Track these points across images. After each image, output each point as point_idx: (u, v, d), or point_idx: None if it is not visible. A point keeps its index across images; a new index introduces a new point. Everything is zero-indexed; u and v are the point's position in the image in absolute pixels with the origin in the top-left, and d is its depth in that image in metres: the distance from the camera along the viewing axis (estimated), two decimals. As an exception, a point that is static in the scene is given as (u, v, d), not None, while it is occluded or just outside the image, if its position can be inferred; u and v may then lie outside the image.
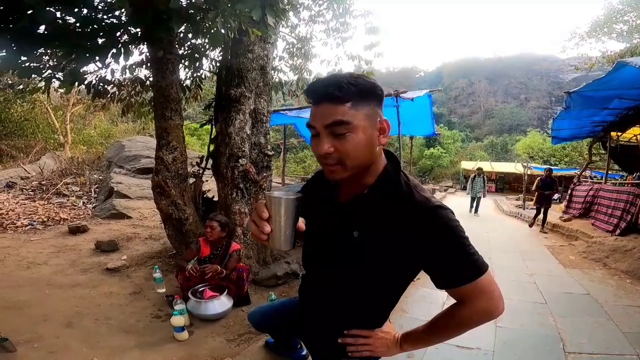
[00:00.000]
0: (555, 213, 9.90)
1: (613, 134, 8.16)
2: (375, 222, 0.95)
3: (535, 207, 8.43)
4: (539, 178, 8.34)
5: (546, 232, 7.82)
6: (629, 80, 4.50)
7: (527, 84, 67.89)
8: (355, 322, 1.11)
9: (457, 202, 10.24)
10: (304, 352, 2.17)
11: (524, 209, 12.02)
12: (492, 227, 8.92)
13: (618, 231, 5.90)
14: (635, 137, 8.38)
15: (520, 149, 31.42)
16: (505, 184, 26.37)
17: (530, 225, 8.69)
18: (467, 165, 27.06)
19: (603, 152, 10.22)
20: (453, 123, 56.66)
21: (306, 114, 6.68)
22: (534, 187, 8.35)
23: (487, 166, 26.58)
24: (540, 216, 8.14)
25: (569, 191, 9.25)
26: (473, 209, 11.28)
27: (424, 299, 3.63)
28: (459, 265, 0.93)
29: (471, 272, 0.93)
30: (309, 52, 5.51)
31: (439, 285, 0.97)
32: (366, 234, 0.96)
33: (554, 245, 6.48)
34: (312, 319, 1.22)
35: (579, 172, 10.64)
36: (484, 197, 11.10)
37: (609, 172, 10.65)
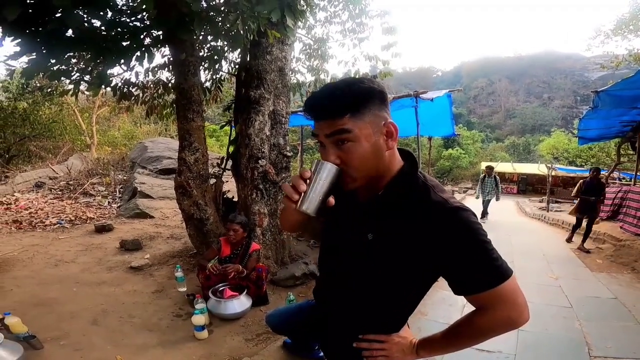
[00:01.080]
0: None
1: (644, 133, 7.82)
2: (389, 224, 0.92)
3: (575, 216, 6.66)
4: (581, 181, 6.61)
5: (588, 251, 5.91)
6: None
7: (550, 82, 65.91)
8: (371, 326, 1.07)
9: (476, 204, 9.74)
10: (322, 354, 2.18)
11: (547, 211, 11.68)
12: (514, 229, 8.69)
13: (648, 235, 5.66)
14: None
15: (544, 149, 30.55)
16: (528, 186, 25.67)
17: (569, 240, 6.80)
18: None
19: (632, 152, 9.82)
20: (472, 123, 55.57)
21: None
22: (574, 192, 6.60)
23: (509, 167, 26.01)
24: (580, 228, 6.58)
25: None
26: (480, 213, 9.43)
27: (444, 301, 3.57)
28: (479, 270, 0.88)
29: (493, 278, 0.88)
30: (326, 53, 5.52)
31: (458, 291, 0.92)
32: (380, 236, 0.94)
33: (580, 250, 6.27)
34: (326, 321, 1.19)
35: (607, 174, 10.23)
36: (497, 200, 9.51)
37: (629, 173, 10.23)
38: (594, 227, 7.36)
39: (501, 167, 26.31)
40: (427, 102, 5.48)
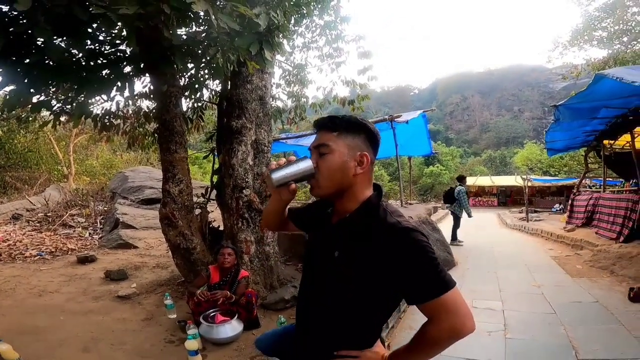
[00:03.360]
0: (557, 223, 9.96)
1: (606, 142, 8.29)
2: (352, 242, 1.06)
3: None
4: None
5: None
6: (610, 91, 4.64)
7: (518, 95, 68.79)
8: (345, 342, 1.14)
9: (462, 221, 9.66)
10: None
11: (527, 221, 12.03)
12: (496, 241, 8.91)
13: (622, 238, 5.95)
14: (627, 144, 8.48)
15: (518, 161, 31.66)
16: (507, 197, 26.42)
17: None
18: (467, 181, 27.16)
19: (600, 160, 10.36)
20: (450, 139, 57.11)
21: (305, 141, 6.87)
22: None
23: (488, 181, 26.75)
24: None
25: (570, 201, 9.32)
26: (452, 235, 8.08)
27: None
28: (425, 282, 0.98)
29: (437, 289, 0.97)
30: (305, 79, 5.70)
31: (409, 301, 1.03)
32: (344, 254, 1.07)
33: (559, 256, 6.50)
34: (304, 337, 1.27)
35: (577, 182, 10.70)
36: (468, 216, 8.23)
37: (611, 179, 10.73)
38: (570, 234, 7.68)
39: (480, 180, 27.08)
40: (403, 124, 5.72)
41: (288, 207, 1.37)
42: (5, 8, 2.14)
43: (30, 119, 9.37)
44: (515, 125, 62.55)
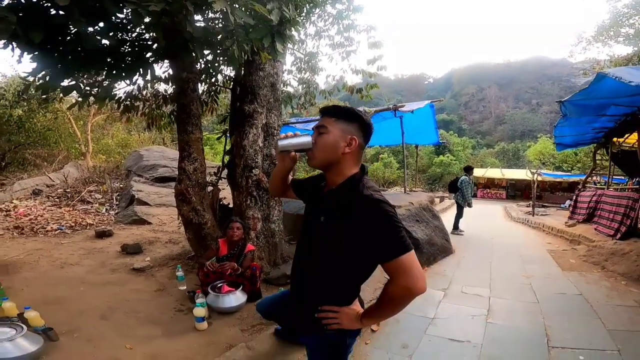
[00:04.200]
0: (562, 219, 10.02)
1: (615, 139, 8.28)
2: (337, 211, 1.30)
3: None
4: None
5: None
6: (613, 89, 4.69)
7: (538, 88, 67.08)
8: (328, 299, 1.38)
9: (465, 213, 9.61)
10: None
11: (532, 215, 12.07)
12: (497, 232, 9.03)
13: (619, 235, 6.03)
14: (637, 142, 8.46)
15: (531, 155, 31.22)
16: (517, 191, 26.21)
17: None
18: (476, 172, 27.01)
19: (606, 158, 10.33)
20: (463, 130, 56.30)
21: (311, 126, 7.04)
22: None
23: (498, 173, 26.56)
24: None
25: (574, 197, 9.36)
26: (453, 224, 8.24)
27: (421, 297, 3.88)
28: (386, 244, 1.18)
29: (396, 250, 1.17)
30: (316, 66, 5.85)
31: (376, 261, 1.25)
32: (328, 220, 1.33)
33: (556, 250, 6.63)
34: (296, 297, 1.53)
35: (584, 178, 10.69)
36: (467, 206, 8.25)
37: (618, 177, 10.67)
38: (570, 229, 7.79)
39: (490, 172, 26.89)
40: (409, 113, 5.86)
41: (292, 178, 1.67)
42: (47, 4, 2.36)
43: (51, 100, 9.79)
44: (532, 119, 61.27)
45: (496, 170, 27.86)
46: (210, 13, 3.31)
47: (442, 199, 16.50)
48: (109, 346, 2.65)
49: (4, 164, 13.60)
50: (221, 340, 2.76)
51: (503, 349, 2.84)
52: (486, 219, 11.36)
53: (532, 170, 15.37)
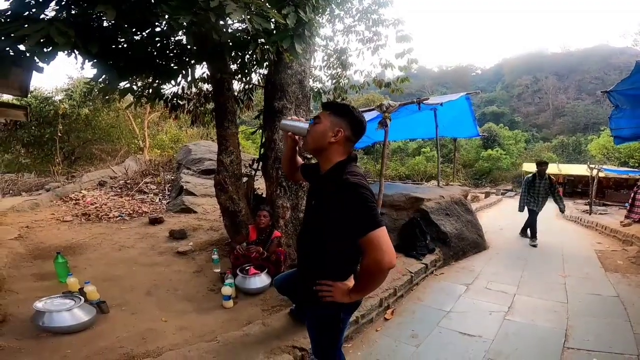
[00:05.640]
0: (622, 218, 9.24)
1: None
2: (322, 194, 1.51)
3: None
4: None
5: None
6: None
7: (604, 78, 60.91)
8: (323, 274, 1.56)
9: (511, 210, 8.79)
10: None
11: (589, 214, 11.25)
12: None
13: (679, 237, 5.55)
14: None
15: (593, 149, 28.63)
16: (576, 188, 24.24)
17: None
18: (529, 167, 25.31)
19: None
20: (517, 122, 52.80)
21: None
22: None
23: (554, 168, 24.64)
24: None
25: (632, 195, 8.62)
26: (526, 230, 7.00)
27: (442, 291, 3.94)
28: (358, 222, 1.32)
29: (366, 227, 1.30)
30: (346, 62, 5.97)
31: (353, 237, 1.35)
32: (318, 202, 1.53)
33: (605, 250, 6.22)
34: (299, 271, 1.77)
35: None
36: (562, 211, 7.13)
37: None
38: (624, 229, 7.22)
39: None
40: (446, 105, 5.77)
41: (303, 162, 1.92)
42: (97, 21, 2.77)
43: (112, 100, 10.87)
44: (596, 111, 55.86)
45: (552, 165, 25.89)
46: (235, 21, 3.61)
47: (487, 194, 15.86)
48: (148, 318, 3.05)
49: (74, 158, 15.15)
50: (243, 317, 3.08)
51: (513, 346, 2.79)
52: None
53: (590, 166, 14.24)
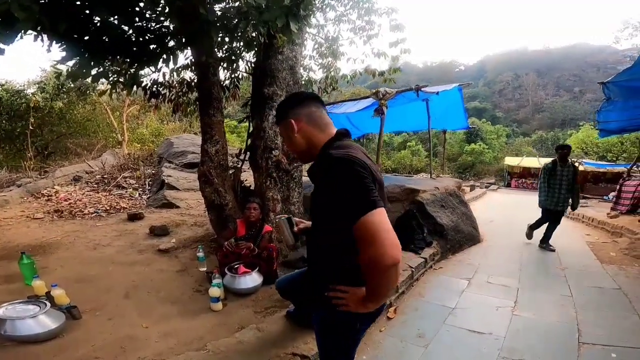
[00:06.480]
0: (605, 211, 9.37)
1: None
2: (316, 180, 1.25)
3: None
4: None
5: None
6: None
7: (581, 76, 63.00)
8: (333, 276, 1.27)
9: (495, 203, 8.77)
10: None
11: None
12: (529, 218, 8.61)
13: (667, 228, 5.59)
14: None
15: (572, 144, 29.38)
16: (555, 181, 24.70)
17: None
18: (511, 161, 25.77)
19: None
20: (497, 118, 53.96)
21: (335, 110, 6.97)
22: None
23: (535, 162, 25.17)
24: None
25: (618, 187, 8.74)
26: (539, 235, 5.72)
27: (443, 286, 3.78)
28: (346, 202, 1.02)
29: (356, 208, 0.98)
30: (337, 51, 5.74)
31: (340, 225, 1.07)
32: (314, 191, 1.28)
33: (596, 242, 6.24)
34: (308, 273, 1.52)
35: (629, 167, 9.93)
36: (573, 209, 5.63)
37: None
38: (612, 221, 7.29)
39: (526, 161, 25.59)
40: (438, 96, 5.62)
41: None
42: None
43: (88, 92, 10.40)
44: (574, 107, 57.69)
45: (533, 159, 26.46)
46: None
47: (472, 187, 15.98)
48: (127, 324, 2.75)
49: (47, 152, 14.45)
50: (234, 321, 2.81)
51: (527, 343, 2.67)
52: (520, 209, 10.82)
53: (573, 160, 14.50)
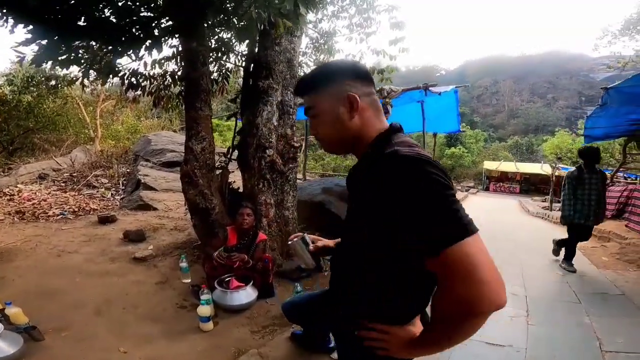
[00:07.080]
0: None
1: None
2: (360, 189, 0.91)
3: None
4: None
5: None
6: None
7: (555, 83, 65.78)
8: (372, 312, 0.97)
9: (478, 206, 8.87)
10: (332, 345, 2.13)
11: (550, 210, 11.64)
12: (518, 226, 8.66)
13: (655, 233, 5.63)
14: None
15: (547, 149, 30.47)
16: (531, 186, 25.57)
17: None
18: (489, 165, 26.38)
19: (636, 152, 9.78)
20: (475, 122, 55.41)
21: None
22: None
23: (512, 167, 25.87)
24: None
25: (602, 192, 8.86)
26: (562, 255, 4.87)
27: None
28: (423, 226, 0.72)
29: (442, 234, 0.70)
30: (333, 48, 5.47)
31: (412, 254, 0.78)
32: (354, 204, 0.96)
33: (585, 247, 6.21)
34: (332, 304, 1.15)
35: (612, 173, 10.16)
36: (597, 223, 4.51)
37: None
38: (598, 226, 7.31)
39: (504, 166, 26.25)
40: (433, 98, 5.45)
41: None
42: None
43: (58, 83, 9.73)
44: (546, 113, 60.15)
45: (510, 163, 27.20)
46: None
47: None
48: (100, 347, 2.36)
49: (11, 148, 13.53)
50: (228, 343, 2.46)
51: (551, 354, 2.54)
52: (502, 213, 10.93)
53: (551, 165, 14.85)
